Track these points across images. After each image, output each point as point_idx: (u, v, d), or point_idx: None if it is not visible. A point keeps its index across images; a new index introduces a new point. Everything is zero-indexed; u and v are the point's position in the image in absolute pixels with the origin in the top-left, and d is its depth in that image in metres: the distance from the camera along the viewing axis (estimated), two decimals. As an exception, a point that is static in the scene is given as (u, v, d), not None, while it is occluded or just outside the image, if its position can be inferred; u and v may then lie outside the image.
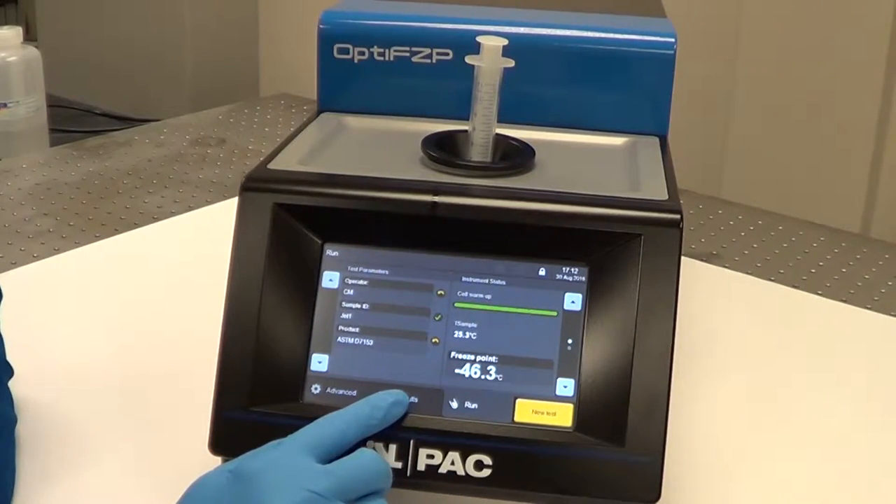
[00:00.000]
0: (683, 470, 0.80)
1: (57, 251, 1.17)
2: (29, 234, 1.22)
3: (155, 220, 1.27)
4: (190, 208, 1.31)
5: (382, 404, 0.64)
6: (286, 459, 0.58)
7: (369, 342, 0.69)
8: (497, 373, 0.67)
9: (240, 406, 0.67)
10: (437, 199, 0.70)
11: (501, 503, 0.67)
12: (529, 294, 0.69)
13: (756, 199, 1.41)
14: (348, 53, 0.88)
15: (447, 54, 0.87)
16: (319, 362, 0.68)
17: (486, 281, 0.69)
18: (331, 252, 0.70)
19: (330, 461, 0.60)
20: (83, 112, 1.93)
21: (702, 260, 1.21)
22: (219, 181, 1.41)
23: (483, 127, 0.77)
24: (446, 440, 0.66)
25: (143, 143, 1.55)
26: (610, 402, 0.66)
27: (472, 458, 0.65)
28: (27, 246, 1.19)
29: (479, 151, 0.77)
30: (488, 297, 0.69)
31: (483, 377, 0.67)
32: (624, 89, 0.87)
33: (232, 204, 0.71)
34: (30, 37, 2.06)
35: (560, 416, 0.66)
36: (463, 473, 0.65)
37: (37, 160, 1.47)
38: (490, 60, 0.75)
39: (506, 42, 0.75)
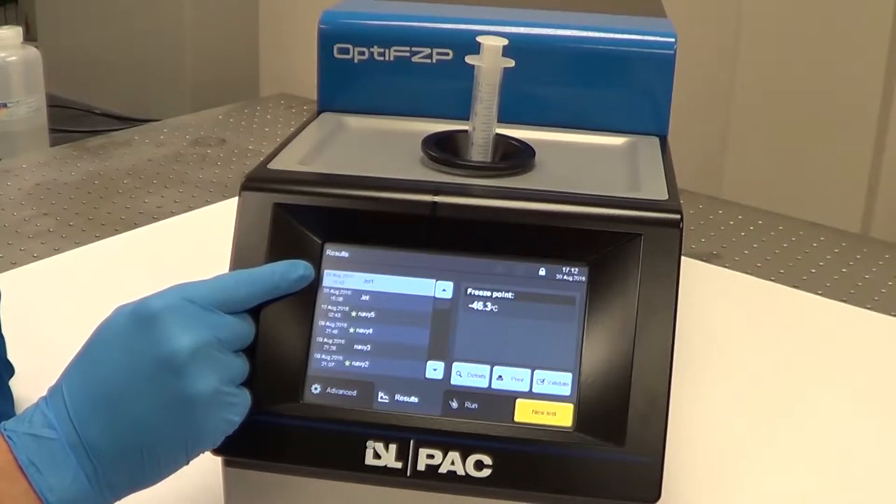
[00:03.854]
0: (683, 470, 0.80)
1: (57, 251, 1.17)
2: (29, 234, 1.22)
3: (155, 220, 1.27)
4: (190, 208, 1.31)
5: (292, 276, 0.68)
6: (194, 304, 0.63)
7: (369, 342, 0.68)
8: (497, 372, 0.67)
9: (240, 406, 0.67)
10: (437, 199, 0.70)
11: (501, 503, 0.67)
12: (529, 294, 0.69)
13: (756, 199, 1.41)
14: (348, 53, 0.88)
15: (447, 54, 0.87)
16: (319, 362, 0.68)
17: (486, 281, 0.69)
18: (331, 252, 0.70)
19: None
20: (83, 112, 1.93)
21: (702, 260, 1.21)
22: (219, 181, 1.41)
23: (483, 127, 0.77)
24: (446, 440, 0.66)
25: (143, 143, 1.55)
26: (610, 402, 0.66)
27: (472, 458, 0.65)
28: (27, 246, 1.19)
29: (479, 151, 0.77)
30: (488, 296, 0.69)
31: (483, 377, 0.67)
32: (624, 89, 0.87)
33: (232, 204, 0.71)
34: (30, 37, 2.06)
35: (560, 416, 0.66)
36: (463, 473, 0.65)
37: (37, 160, 1.47)
38: (490, 60, 0.75)
39: (506, 42, 0.75)
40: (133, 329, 0.61)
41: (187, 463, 0.62)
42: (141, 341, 0.61)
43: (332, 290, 0.69)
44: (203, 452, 0.63)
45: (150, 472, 0.61)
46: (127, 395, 0.60)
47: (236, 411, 0.63)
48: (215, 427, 0.62)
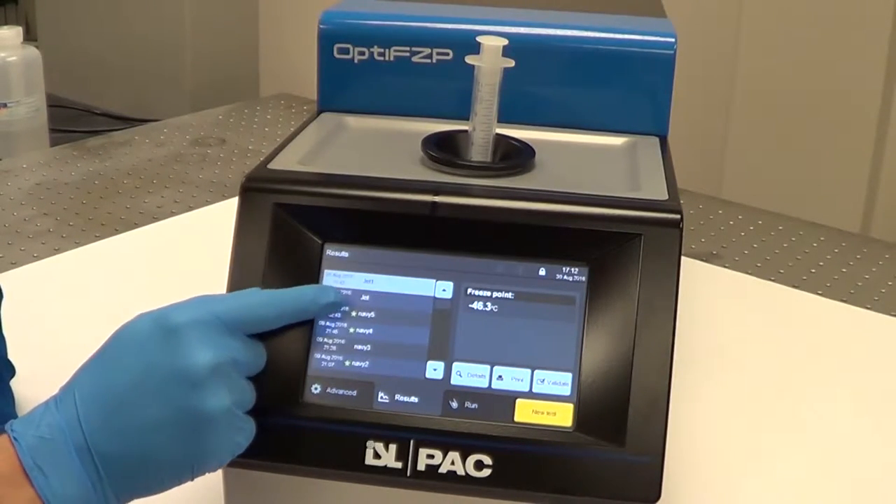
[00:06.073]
0: (683, 470, 0.80)
1: (57, 251, 1.17)
2: (29, 234, 1.22)
3: (155, 220, 1.27)
4: (190, 208, 1.31)
5: (321, 302, 0.67)
6: (220, 320, 0.62)
7: (369, 342, 0.68)
8: (497, 372, 0.67)
9: (240, 406, 0.67)
10: (437, 199, 0.70)
11: (501, 503, 0.67)
12: (529, 294, 0.69)
13: (756, 199, 1.41)
14: (348, 53, 0.88)
15: (447, 54, 0.87)
16: (319, 362, 0.68)
17: (486, 281, 0.69)
18: (331, 252, 0.70)
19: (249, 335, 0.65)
20: (83, 112, 1.93)
21: (702, 260, 1.21)
22: (219, 181, 1.41)
23: (483, 127, 0.77)
24: (446, 440, 0.66)
25: (143, 143, 1.55)
26: (610, 402, 0.66)
27: (472, 458, 0.65)
28: (27, 246, 1.19)
29: (479, 151, 0.77)
30: (488, 296, 0.69)
31: (483, 377, 0.67)
32: (624, 89, 0.87)
33: (232, 204, 0.71)
34: (30, 37, 2.06)
35: (560, 416, 0.66)
36: (463, 473, 0.65)
37: (37, 160, 1.47)
38: (490, 60, 0.75)
39: (506, 42, 0.75)
40: (154, 338, 0.61)
41: (192, 479, 0.62)
42: (161, 352, 0.60)
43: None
44: (208, 472, 0.63)
45: (153, 484, 0.61)
46: (139, 403, 0.60)
47: (244, 435, 0.63)
48: (224, 447, 0.62)
